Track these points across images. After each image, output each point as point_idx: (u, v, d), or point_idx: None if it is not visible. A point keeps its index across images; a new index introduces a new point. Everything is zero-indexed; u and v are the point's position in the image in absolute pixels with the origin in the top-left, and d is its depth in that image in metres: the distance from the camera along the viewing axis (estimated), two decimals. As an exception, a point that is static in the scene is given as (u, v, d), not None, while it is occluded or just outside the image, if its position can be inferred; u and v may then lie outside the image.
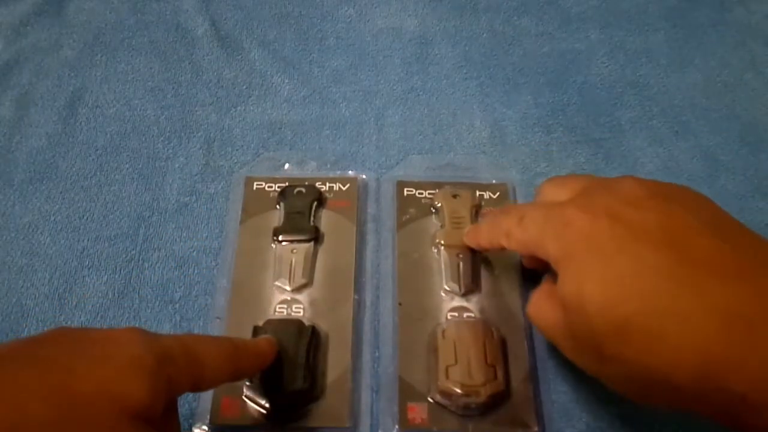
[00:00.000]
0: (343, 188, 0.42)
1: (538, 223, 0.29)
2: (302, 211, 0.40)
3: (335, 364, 0.35)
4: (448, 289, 0.37)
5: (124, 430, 0.22)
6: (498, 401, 0.33)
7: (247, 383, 0.33)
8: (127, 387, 0.22)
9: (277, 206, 0.41)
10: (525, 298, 0.37)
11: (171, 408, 0.27)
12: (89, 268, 0.40)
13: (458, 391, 0.32)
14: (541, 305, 0.30)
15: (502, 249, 0.32)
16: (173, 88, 0.49)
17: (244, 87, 0.49)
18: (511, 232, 0.31)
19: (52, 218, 0.42)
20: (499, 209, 0.35)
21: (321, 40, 0.52)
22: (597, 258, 0.26)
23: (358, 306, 0.38)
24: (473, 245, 0.37)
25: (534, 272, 0.35)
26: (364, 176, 0.43)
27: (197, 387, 0.27)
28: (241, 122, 0.47)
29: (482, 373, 0.33)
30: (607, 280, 0.25)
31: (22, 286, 0.39)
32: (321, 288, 0.38)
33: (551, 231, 0.28)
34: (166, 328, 0.37)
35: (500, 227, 0.32)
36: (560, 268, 0.27)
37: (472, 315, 0.36)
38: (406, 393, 0.34)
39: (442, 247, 0.38)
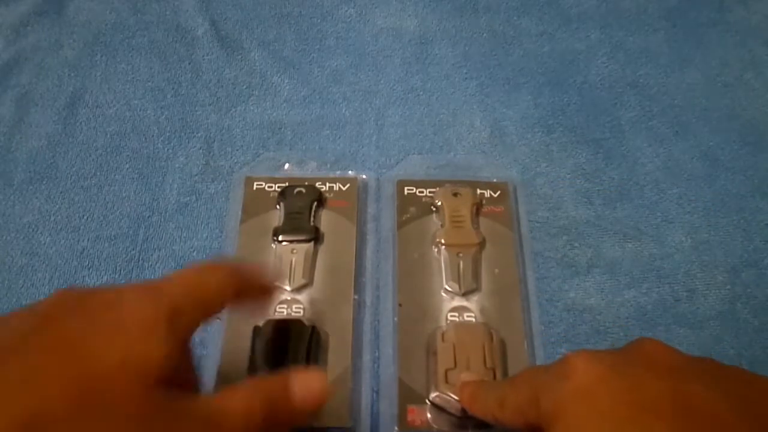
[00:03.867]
0: (343, 188, 0.42)
1: (533, 378, 0.26)
2: (302, 211, 0.40)
3: (335, 364, 0.35)
4: (448, 288, 0.37)
5: (149, 400, 0.21)
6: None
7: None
8: (144, 352, 0.22)
9: (277, 206, 0.41)
10: (526, 298, 0.37)
11: (186, 350, 0.26)
12: (89, 268, 0.40)
13: (456, 396, 0.32)
14: None
15: (497, 421, 0.28)
16: (173, 88, 0.49)
17: (244, 87, 0.49)
18: (505, 398, 0.27)
19: (52, 218, 0.42)
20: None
21: (321, 40, 0.52)
22: (595, 421, 0.22)
23: (358, 306, 0.38)
24: (466, 405, 0.32)
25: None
26: (364, 176, 0.43)
27: (205, 320, 0.25)
28: (241, 122, 0.47)
29: (481, 377, 0.33)
30: None
31: (22, 286, 0.39)
32: (321, 288, 0.38)
33: (547, 384, 0.25)
34: (166, 328, 0.37)
35: (492, 394, 0.28)
36: (550, 426, 0.24)
37: (473, 315, 0.36)
38: (406, 395, 0.34)
39: (443, 247, 0.38)
